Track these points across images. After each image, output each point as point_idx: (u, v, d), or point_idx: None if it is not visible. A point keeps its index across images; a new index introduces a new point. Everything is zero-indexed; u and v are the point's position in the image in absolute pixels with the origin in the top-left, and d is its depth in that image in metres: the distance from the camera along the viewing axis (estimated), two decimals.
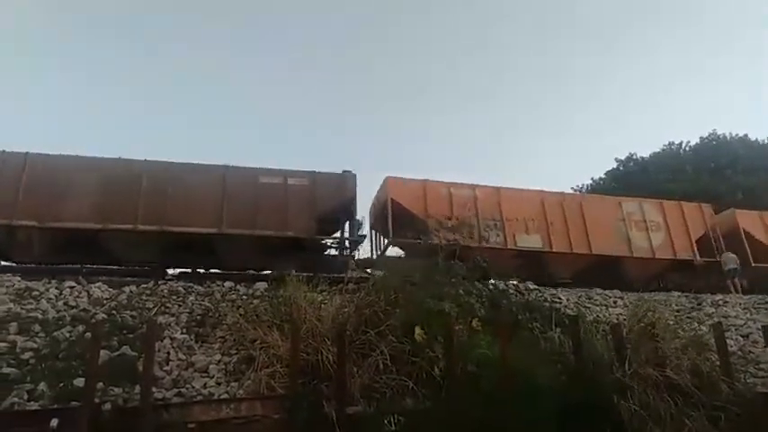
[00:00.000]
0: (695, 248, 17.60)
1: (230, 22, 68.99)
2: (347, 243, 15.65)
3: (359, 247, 15.95)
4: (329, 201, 15.16)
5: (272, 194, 14.69)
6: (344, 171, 15.80)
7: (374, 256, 16.02)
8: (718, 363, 8.26)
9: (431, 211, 15.31)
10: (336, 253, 15.66)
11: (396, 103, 76.99)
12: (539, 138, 73.92)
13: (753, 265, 17.53)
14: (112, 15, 62.31)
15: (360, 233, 16.02)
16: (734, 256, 17.28)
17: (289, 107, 72.36)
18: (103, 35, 63.39)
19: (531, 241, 16.32)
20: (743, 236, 18.06)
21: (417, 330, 7.95)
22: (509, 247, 15.90)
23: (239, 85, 69.82)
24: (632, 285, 15.62)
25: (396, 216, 15.45)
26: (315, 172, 15.34)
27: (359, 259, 15.55)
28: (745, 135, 33.88)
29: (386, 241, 16.09)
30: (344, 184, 15.56)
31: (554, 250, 16.30)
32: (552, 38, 73.39)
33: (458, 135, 73.44)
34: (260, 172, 14.98)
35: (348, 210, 15.45)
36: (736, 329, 11.80)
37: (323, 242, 15.54)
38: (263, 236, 14.23)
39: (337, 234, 15.75)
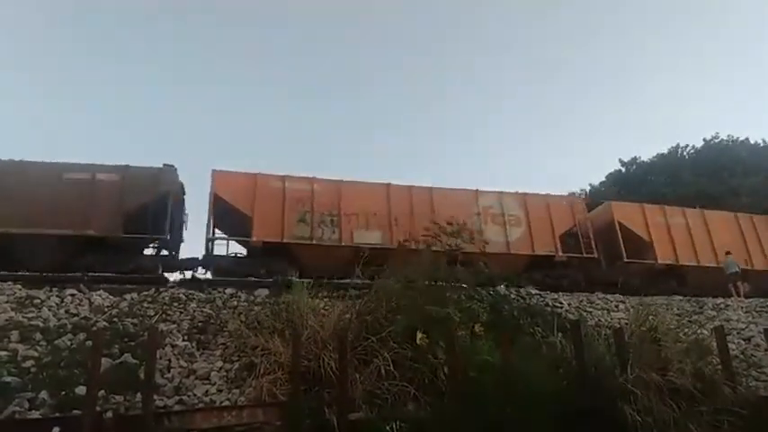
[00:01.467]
0: (558, 243, 16.67)
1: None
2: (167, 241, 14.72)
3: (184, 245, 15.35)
4: (140, 197, 14.27)
5: (76, 191, 13.93)
6: (165, 165, 14.89)
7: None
8: (720, 366, 8.25)
9: (258, 207, 14.63)
10: (154, 252, 14.95)
11: (393, 105, 77.13)
12: (543, 140, 73.94)
13: (625, 260, 16.82)
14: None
15: (181, 231, 15.28)
16: (734, 259, 17.24)
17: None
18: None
19: (371, 237, 15.27)
20: (617, 230, 17.24)
21: (419, 335, 7.95)
22: (344, 243, 14.93)
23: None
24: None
25: (220, 212, 14.86)
26: (128, 166, 14.50)
27: (182, 259, 14.89)
28: (746, 138, 33.96)
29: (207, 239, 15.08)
30: (160, 178, 14.59)
31: (395, 247, 14.40)
32: (554, 39, 73.58)
33: (457, 136, 73.50)
34: (65, 167, 14.24)
35: (164, 206, 14.39)
36: (738, 333, 11.79)
37: (135, 240, 14.38)
38: (63, 235, 13.54)
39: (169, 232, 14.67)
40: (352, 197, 15.58)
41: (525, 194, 17.22)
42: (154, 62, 65.90)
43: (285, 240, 14.58)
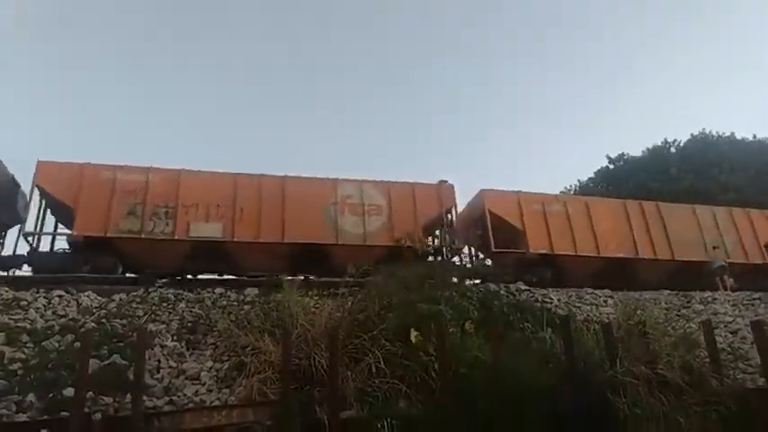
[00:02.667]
0: (421, 233, 15.59)
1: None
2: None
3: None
4: None
5: None
6: None
7: None
8: (707, 359, 8.34)
9: (83, 199, 13.53)
10: None
11: (379, 103, 77.18)
12: (533, 137, 74.27)
13: (493, 250, 16.09)
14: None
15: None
16: (721, 252, 17.40)
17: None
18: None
19: (210, 230, 14.18)
20: (488, 219, 16.37)
21: (413, 333, 7.96)
22: (177, 237, 13.82)
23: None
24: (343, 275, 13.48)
25: (51, 206, 14.04)
26: None
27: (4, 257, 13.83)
28: (732, 134, 34.28)
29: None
30: None
31: (237, 239, 14.16)
32: (541, 37, 73.91)
33: (442, 135, 73.67)
34: None
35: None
36: (725, 326, 11.90)
37: None
38: None
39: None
40: (192, 187, 14.43)
41: (389, 183, 16.21)
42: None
43: (109, 235, 13.38)
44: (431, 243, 16.06)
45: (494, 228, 16.23)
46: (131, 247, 13.71)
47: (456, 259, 16.16)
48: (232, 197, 14.55)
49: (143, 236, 13.54)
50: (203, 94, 67.65)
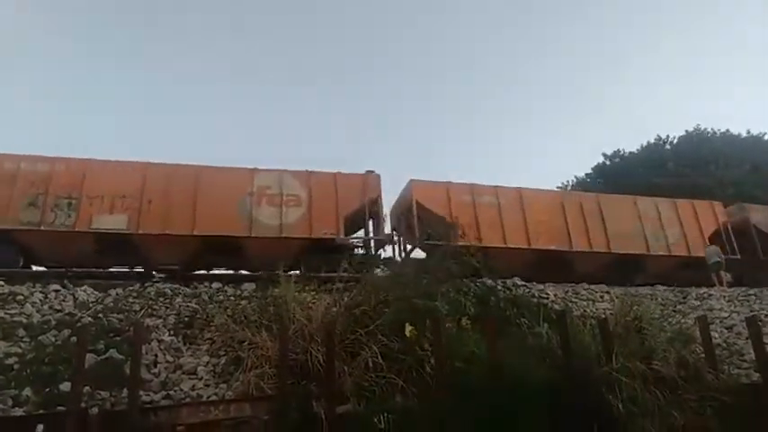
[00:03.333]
0: (341, 225, 15.09)
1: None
2: None
3: None
4: None
5: None
6: None
7: None
8: (703, 355, 8.38)
9: None
10: None
11: (376, 104, 77.00)
12: (526, 135, 74.23)
13: (418, 242, 15.65)
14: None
15: None
16: (717, 249, 17.45)
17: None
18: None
19: (113, 222, 13.63)
20: (414, 210, 15.86)
21: (408, 327, 7.96)
22: (78, 229, 13.31)
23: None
24: (258, 270, 13.66)
25: None
26: None
27: None
28: (727, 130, 34.36)
29: None
30: None
31: (142, 232, 13.66)
32: (535, 37, 73.76)
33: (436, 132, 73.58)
34: None
35: None
36: (720, 322, 11.95)
37: None
38: None
39: None
40: (99, 178, 13.90)
41: (311, 172, 15.63)
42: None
43: (7, 226, 13.00)
44: (355, 235, 15.77)
45: (421, 219, 15.86)
46: (32, 240, 13.29)
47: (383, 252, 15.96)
48: (140, 188, 14.04)
49: (42, 228, 13.09)
50: (203, 93, 67.39)
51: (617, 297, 12.07)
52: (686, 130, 34.59)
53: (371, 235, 15.95)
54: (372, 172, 16.17)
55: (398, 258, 15.99)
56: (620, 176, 32.09)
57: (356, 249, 15.73)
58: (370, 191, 15.83)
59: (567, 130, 72.71)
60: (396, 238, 16.89)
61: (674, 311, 12.36)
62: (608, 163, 35.18)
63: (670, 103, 70.40)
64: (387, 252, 16.24)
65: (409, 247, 16.77)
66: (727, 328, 11.57)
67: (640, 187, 24.88)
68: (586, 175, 35.75)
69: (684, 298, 14.00)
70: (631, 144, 45.94)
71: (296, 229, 14.78)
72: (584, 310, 11.69)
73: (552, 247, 16.59)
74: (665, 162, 31.67)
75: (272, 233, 14.52)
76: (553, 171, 75.95)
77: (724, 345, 10.35)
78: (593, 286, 14.24)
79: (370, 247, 15.90)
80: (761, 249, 18.33)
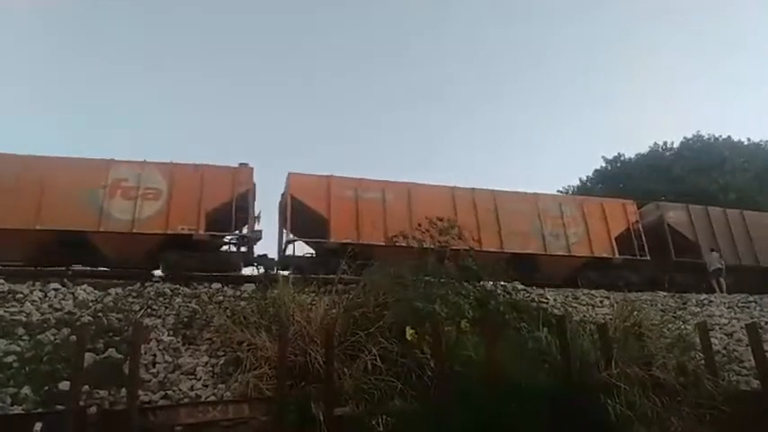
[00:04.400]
0: (203, 220, 14.06)
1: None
2: None
3: None
4: None
5: None
6: None
7: None
8: (702, 361, 8.37)
9: None
10: None
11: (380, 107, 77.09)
12: (527, 138, 74.28)
13: (290, 239, 14.99)
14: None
15: None
16: (717, 256, 17.41)
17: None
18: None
19: None
20: (289, 204, 14.95)
21: (409, 331, 7.97)
22: None
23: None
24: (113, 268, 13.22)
25: None
26: None
27: None
28: (729, 137, 34.35)
29: None
30: None
31: None
32: (540, 40, 73.88)
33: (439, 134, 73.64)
34: None
35: None
36: (720, 328, 11.97)
37: None
38: None
39: None
40: None
41: (175, 165, 14.57)
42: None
43: None
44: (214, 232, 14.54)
45: (297, 214, 15.09)
46: None
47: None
48: None
49: None
50: (202, 93, 67.54)
51: (617, 302, 12.09)
52: (685, 137, 34.57)
53: (236, 231, 14.78)
54: (246, 164, 15.21)
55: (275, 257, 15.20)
56: (620, 181, 32.10)
57: (229, 247, 14.97)
58: (240, 185, 14.79)
59: (569, 133, 72.77)
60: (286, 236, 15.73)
61: (674, 317, 12.37)
62: (608, 167, 35.18)
63: (672, 109, 70.44)
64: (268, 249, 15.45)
65: (296, 243, 15.80)
66: (727, 335, 11.58)
67: (641, 192, 24.87)
68: (587, 178, 35.75)
69: (684, 304, 14.01)
70: (632, 149, 46.00)
71: (151, 223, 13.82)
72: (584, 315, 11.69)
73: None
74: (667, 167, 31.66)
75: (124, 228, 13.59)
76: (555, 175, 75.89)
77: (724, 351, 10.36)
78: (593, 291, 14.24)
79: (244, 245, 14.91)
80: (674, 250, 17.52)
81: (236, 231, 14.70)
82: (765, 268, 17.98)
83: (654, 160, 33.57)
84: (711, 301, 14.32)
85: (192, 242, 13.83)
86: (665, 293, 14.91)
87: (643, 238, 17.43)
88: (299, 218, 15.16)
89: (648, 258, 17.16)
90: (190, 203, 14.07)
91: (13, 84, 58.47)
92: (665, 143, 34.81)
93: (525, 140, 72.30)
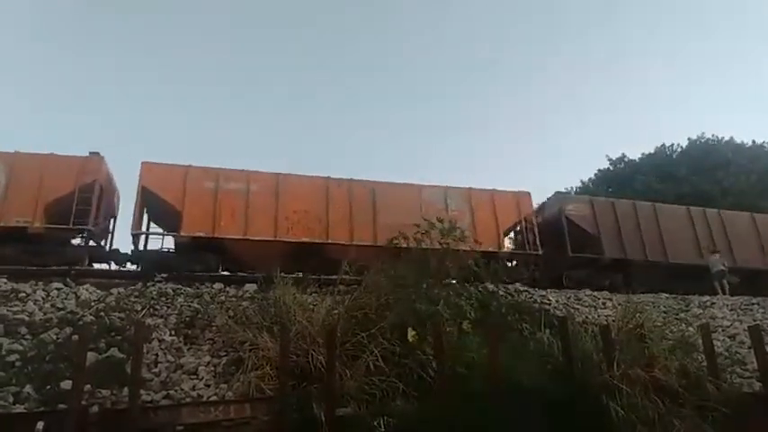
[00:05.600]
0: (41, 213, 13.41)
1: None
2: None
3: None
4: None
5: None
6: None
7: None
8: (705, 363, 8.35)
9: None
10: None
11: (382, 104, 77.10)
12: (529, 139, 74.22)
13: (134, 231, 14.07)
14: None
15: None
16: (721, 257, 17.34)
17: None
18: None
19: None
20: (139, 195, 14.16)
21: (410, 332, 7.96)
22: None
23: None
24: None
25: None
26: None
27: None
28: (731, 138, 34.28)
29: None
30: None
31: None
32: (541, 39, 73.82)
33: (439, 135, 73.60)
34: None
35: None
36: (723, 330, 11.93)
37: None
38: None
39: None
40: None
41: (15, 155, 13.93)
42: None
43: None
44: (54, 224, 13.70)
45: (150, 206, 14.54)
46: None
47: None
48: None
49: None
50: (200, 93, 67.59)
51: (619, 304, 12.06)
52: (689, 138, 34.54)
53: (81, 224, 13.77)
54: (97, 154, 14.56)
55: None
56: (623, 182, 32.06)
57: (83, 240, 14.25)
58: (86, 175, 14.01)
59: (574, 134, 72.67)
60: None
61: (677, 319, 12.33)
62: (612, 168, 35.13)
63: (676, 110, 70.31)
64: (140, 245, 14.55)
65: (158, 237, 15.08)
66: (729, 337, 11.54)
67: (644, 193, 24.83)
68: (590, 180, 35.72)
69: (687, 306, 13.96)
70: (636, 150, 45.95)
71: None
72: (586, 317, 11.67)
73: (305, 240, 14.70)
74: (671, 168, 31.60)
75: None
76: (559, 175, 75.86)
77: (726, 354, 10.32)
78: (595, 293, 14.22)
79: (91, 238, 14.30)
80: (572, 244, 16.66)
81: (81, 224, 13.60)
82: (674, 264, 17.42)
83: (658, 161, 33.51)
84: (714, 303, 14.27)
85: (28, 235, 13.28)
86: (666, 295, 14.88)
87: (535, 231, 16.61)
88: (153, 210, 14.71)
89: (539, 253, 16.34)
90: (29, 196, 13.47)
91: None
92: (671, 144, 34.76)
93: (529, 142, 72.30)
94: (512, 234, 17.25)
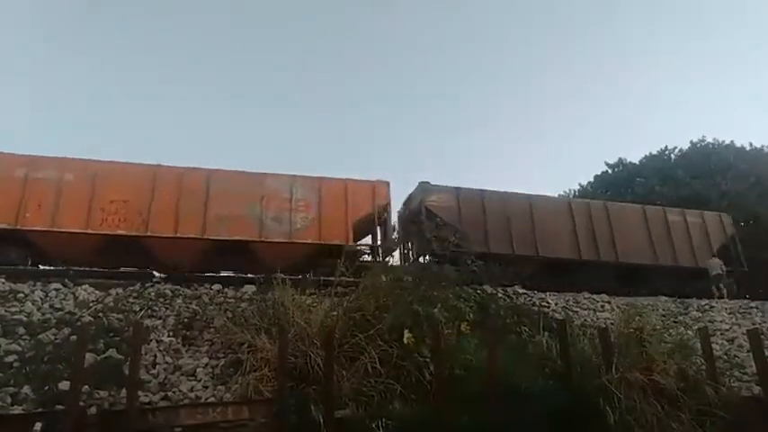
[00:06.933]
0: None
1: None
2: None
3: None
4: None
5: None
6: None
7: None
8: (704, 367, 8.35)
9: None
10: None
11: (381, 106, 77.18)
12: (528, 141, 74.30)
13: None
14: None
15: None
16: (719, 261, 17.37)
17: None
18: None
19: None
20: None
21: (406, 334, 7.97)
22: None
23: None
24: None
25: None
26: None
27: None
28: (732, 142, 34.30)
29: None
30: None
31: None
32: (540, 40, 73.94)
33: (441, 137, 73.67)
34: None
35: None
36: (721, 334, 11.94)
37: None
38: None
39: None
40: None
41: None
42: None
43: None
44: None
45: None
46: None
47: None
48: None
49: None
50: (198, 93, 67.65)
51: (618, 307, 12.08)
52: (691, 141, 34.51)
53: None
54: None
55: None
56: (623, 185, 32.04)
57: None
58: None
59: (573, 137, 72.75)
60: None
61: (676, 323, 12.34)
62: (610, 172, 35.13)
63: (674, 113, 70.41)
64: None
65: None
66: (728, 341, 11.55)
67: (643, 197, 24.84)
68: (588, 183, 35.69)
69: (686, 309, 13.99)
70: (638, 153, 46.07)
71: None
72: (585, 320, 11.68)
73: (121, 232, 13.50)
74: (670, 172, 31.60)
75: None
76: (557, 179, 75.93)
77: (725, 357, 10.33)
78: (594, 296, 14.23)
79: None
80: (429, 237, 15.48)
81: None
82: (546, 258, 16.65)
83: (658, 164, 33.51)
84: (713, 307, 14.28)
85: None
86: (666, 298, 14.90)
87: (390, 222, 15.55)
88: None
89: (394, 246, 15.56)
90: None
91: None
92: (672, 147, 34.73)
93: (529, 143, 72.37)
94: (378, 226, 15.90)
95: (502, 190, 17.31)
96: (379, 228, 15.60)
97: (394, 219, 16.32)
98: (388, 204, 15.73)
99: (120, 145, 58.70)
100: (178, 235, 13.71)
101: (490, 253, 15.46)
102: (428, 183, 16.73)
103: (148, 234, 13.61)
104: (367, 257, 15.29)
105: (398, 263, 15.72)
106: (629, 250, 17.51)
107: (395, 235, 15.78)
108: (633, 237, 17.88)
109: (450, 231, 15.57)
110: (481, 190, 17.13)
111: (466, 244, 15.22)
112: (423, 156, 71.28)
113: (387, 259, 15.10)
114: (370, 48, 77.00)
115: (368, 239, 16.17)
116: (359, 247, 15.36)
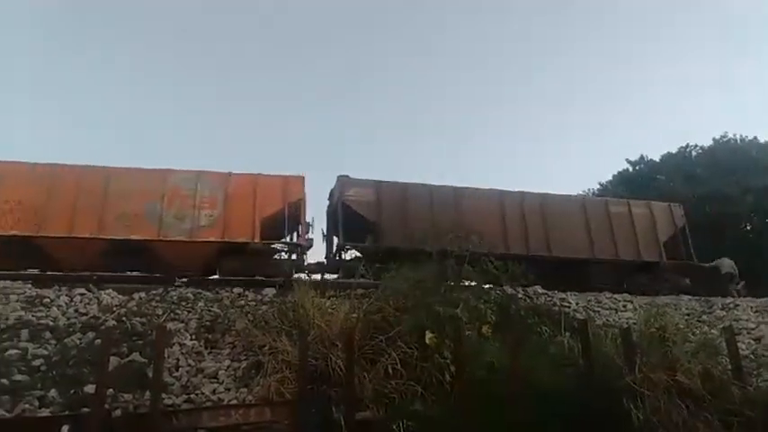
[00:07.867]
0: None
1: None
2: None
3: None
4: None
5: None
6: None
7: None
8: (729, 367, 8.21)
9: None
10: None
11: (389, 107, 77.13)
12: (547, 140, 73.70)
13: None
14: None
15: None
16: (730, 261, 17.11)
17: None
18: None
19: None
20: None
21: (428, 335, 7.94)
22: None
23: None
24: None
25: None
26: None
27: None
28: (755, 137, 33.67)
29: None
30: None
31: None
32: (563, 42, 73.28)
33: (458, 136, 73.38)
34: None
35: None
36: (747, 333, 11.71)
37: None
38: None
39: None
40: None
41: None
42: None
43: None
44: None
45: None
46: None
47: None
48: None
49: None
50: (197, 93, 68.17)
51: (641, 306, 11.91)
52: (713, 138, 33.96)
53: None
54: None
55: None
56: (643, 183, 31.64)
57: None
58: None
59: (593, 135, 72.00)
60: None
61: (700, 322, 12.15)
62: (631, 169, 34.71)
63: (696, 111, 69.31)
64: None
65: None
66: (755, 340, 11.32)
67: (664, 194, 24.48)
68: (608, 181, 35.31)
69: (710, 308, 13.75)
70: (653, 151, 45.39)
71: None
72: (607, 320, 11.55)
73: (14, 233, 13.19)
74: (691, 168, 31.12)
75: None
76: (578, 177, 75.23)
77: (752, 356, 10.13)
78: (615, 295, 14.07)
79: None
80: (348, 232, 15.14)
81: None
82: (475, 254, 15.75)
83: (679, 162, 33.04)
84: (738, 305, 14.01)
85: None
86: (689, 297, 14.67)
87: (302, 218, 15.01)
88: None
89: (304, 244, 14.91)
90: None
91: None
92: (694, 145, 34.23)
93: (550, 141, 71.79)
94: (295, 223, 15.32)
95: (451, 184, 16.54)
96: (291, 225, 14.99)
97: (315, 215, 15.72)
98: (302, 200, 15.11)
99: (121, 146, 59.37)
100: (72, 235, 13.38)
101: (412, 249, 14.05)
102: (347, 176, 16.05)
103: (41, 234, 13.32)
104: (284, 256, 14.88)
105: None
106: (564, 244, 16.62)
107: (314, 232, 15.30)
108: (569, 230, 16.93)
109: (370, 227, 15.23)
110: (405, 183, 16.42)
111: (386, 240, 14.95)
112: (443, 157, 71.12)
113: (303, 258, 14.75)
114: (369, 46, 77.04)
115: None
116: (271, 246, 14.81)
